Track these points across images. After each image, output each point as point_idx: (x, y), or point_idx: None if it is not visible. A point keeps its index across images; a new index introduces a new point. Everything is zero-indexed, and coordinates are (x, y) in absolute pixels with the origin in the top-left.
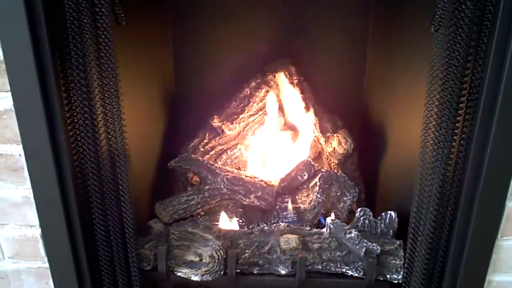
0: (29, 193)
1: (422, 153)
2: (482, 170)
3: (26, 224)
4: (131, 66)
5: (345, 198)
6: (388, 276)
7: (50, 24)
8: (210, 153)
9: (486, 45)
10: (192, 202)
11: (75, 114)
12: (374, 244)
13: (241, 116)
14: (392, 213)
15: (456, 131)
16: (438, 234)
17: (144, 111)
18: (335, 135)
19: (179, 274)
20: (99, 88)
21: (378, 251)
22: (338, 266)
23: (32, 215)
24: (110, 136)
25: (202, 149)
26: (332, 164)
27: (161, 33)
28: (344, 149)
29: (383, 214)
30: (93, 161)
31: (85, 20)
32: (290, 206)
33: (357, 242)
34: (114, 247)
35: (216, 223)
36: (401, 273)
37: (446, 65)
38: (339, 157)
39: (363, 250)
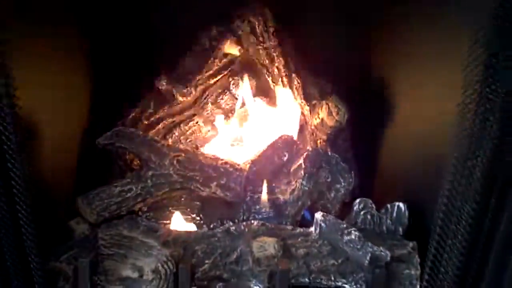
0: None
1: (460, 126)
2: None
3: None
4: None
5: (337, 186)
6: None
7: None
8: (157, 127)
9: None
10: (128, 194)
11: None
12: (381, 248)
13: (197, 77)
14: (401, 204)
15: None
16: (477, 234)
17: (62, 70)
18: (324, 102)
19: None
20: None
21: (388, 257)
22: (332, 278)
23: None
24: None
25: (145, 122)
26: (319, 141)
27: None
28: (336, 120)
29: (389, 206)
30: None
31: None
32: (265, 197)
33: (358, 246)
34: (10, 262)
35: (164, 222)
36: (418, 286)
37: None
38: (329, 132)
39: (368, 257)
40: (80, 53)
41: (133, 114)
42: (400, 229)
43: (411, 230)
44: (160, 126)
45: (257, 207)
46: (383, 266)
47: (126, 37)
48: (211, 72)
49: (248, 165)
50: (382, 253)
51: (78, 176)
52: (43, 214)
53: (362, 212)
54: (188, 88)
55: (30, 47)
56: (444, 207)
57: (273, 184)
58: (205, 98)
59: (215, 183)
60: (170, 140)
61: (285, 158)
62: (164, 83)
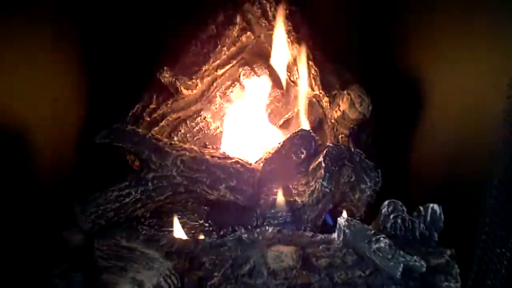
0: None
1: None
2: None
3: None
4: None
5: (363, 186)
6: None
7: None
8: (161, 124)
9: None
10: (127, 199)
11: None
12: (416, 257)
13: (204, 68)
14: (436, 206)
15: None
16: None
17: (56, 64)
18: (345, 93)
19: None
20: None
21: (424, 268)
22: None
23: None
24: None
25: (147, 118)
26: (340, 136)
27: None
28: (359, 112)
29: (422, 208)
30: None
31: None
32: (281, 200)
33: (389, 256)
34: None
35: (168, 229)
36: None
37: None
38: (351, 126)
39: (401, 268)
40: (77, 44)
41: (134, 111)
42: (436, 235)
43: (445, 235)
44: (163, 122)
45: (272, 211)
46: (418, 278)
47: (126, 24)
48: (218, 62)
49: (261, 164)
50: (417, 263)
51: (76, 181)
52: (34, 222)
53: (391, 216)
54: (194, 80)
55: (24, 40)
56: (491, 209)
57: (290, 185)
58: (212, 91)
59: (224, 185)
60: (175, 138)
61: (302, 156)
62: (167, 75)
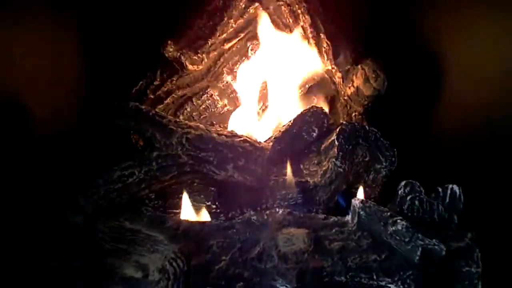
0: None
1: None
2: None
3: None
4: None
5: (378, 166)
6: None
7: None
8: (166, 101)
9: None
10: (130, 179)
11: None
12: (435, 240)
13: (210, 42)
14: (455, 187)
15: None
16: None
17: (54, 37)
18: (359, 67)
19: None
20: None
21: (443, 252)
22: (374, 277)
23: None
24: None
25: (151, 96)
26: (354, 114)
27: None
28: (374, 88)
29: (440, 190)
30: None
31: None
32: (291, 180)
33: (407, 239)
34: None
35: (174, 211)
36: (479, 287)
37: None
38: (366, 102)
39: (419, 252)
40: (78, 16)
41: (137, 87)
42: (455, 217)
43: (463, 217)
44: (168, 100)
45: (283, 192)
46: (437, 262)
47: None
48: (225, 35)
49: (271, 143)
50: (436, 247)
51: (77, 159)
52: (33, 203)
53: (408, 197)
54: (200, 55)
55: (24, 13)
56: None
57: (301, 165)
58: (219, 67)
59: (232, 164)
60: (181, 117)
61: (314, 134)
62: (171, 49)
